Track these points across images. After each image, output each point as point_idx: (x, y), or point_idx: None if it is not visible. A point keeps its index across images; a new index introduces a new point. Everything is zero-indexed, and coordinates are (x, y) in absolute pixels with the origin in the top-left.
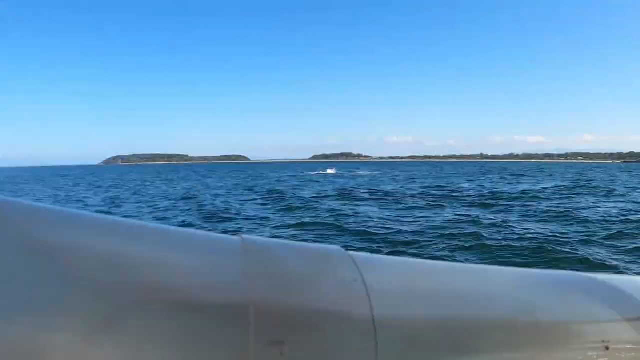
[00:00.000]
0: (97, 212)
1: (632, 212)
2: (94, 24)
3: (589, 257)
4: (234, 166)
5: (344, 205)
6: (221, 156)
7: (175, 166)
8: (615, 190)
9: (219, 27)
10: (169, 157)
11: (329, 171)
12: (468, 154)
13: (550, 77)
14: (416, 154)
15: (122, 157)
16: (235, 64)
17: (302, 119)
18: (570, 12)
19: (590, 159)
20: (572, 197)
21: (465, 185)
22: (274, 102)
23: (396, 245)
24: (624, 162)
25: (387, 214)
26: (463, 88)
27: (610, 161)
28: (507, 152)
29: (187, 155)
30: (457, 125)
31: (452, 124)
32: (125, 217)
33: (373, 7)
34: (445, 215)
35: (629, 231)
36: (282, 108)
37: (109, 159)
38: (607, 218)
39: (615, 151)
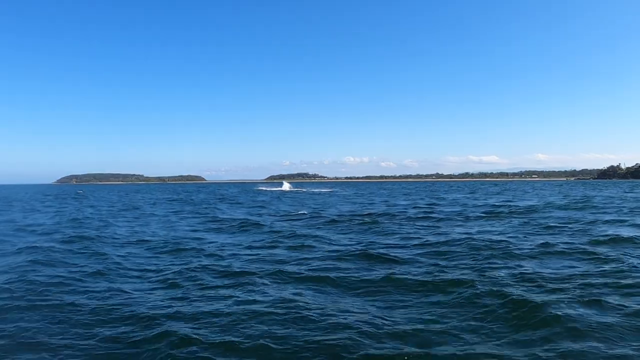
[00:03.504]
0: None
1: None
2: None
3: None
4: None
5: None
6: (177, 176)
7: (135, 185)
8: None
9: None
10: (124, 177)
11: (284, 188)
12: (424, 174)
13: (504, 98)
14: (372, 175)
15: (76, 177)
16: (187, 82)
17: (258, 140)
18: (526, 32)
19: (545, 177)
20: None
21: None
22: (229, 122)
23: None
24: (577, 179)
25: None
26: (417, 109)
27: (564, 178)
28: (462, 172)
29: (142, 175)
30: (413, 146)
31: (407, 145)
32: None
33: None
34: None
35: None
36: (238, 128)
37: (63, 178)
38: None
39: (569, 169)
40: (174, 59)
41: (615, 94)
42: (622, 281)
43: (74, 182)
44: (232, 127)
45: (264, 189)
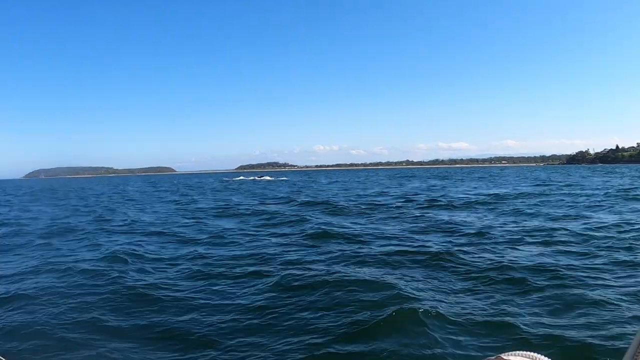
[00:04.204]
0: None
1: None
2: None
3: None
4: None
5: None
6: (147, 168)
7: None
8: None
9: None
10: (94, 170)
11: (265, 178)
12: (394, 161)
13: (471, 84)
14: (342, 163)
15: (44, 171)
16: (157, 71)
17: (227, 130)
18: (489, 18)
19: (514, 163)
20: None
21: None
22: (197, 112)
23: None
24: (547, 164)
25: None
26: (386, 97)
27: (534, 164)
28: (432, 158)
29: (112, 168)
30: (383, 134)
31: (377, 133)
32: None
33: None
34: None
35: None
36: (206, 119)
37: (31, 172)
38: None
39: (538, 154)
40: (139, 52)
41: (583, 81)
42: None
43: (43, 177)
44: (201, 117)
45: (238, 179)
